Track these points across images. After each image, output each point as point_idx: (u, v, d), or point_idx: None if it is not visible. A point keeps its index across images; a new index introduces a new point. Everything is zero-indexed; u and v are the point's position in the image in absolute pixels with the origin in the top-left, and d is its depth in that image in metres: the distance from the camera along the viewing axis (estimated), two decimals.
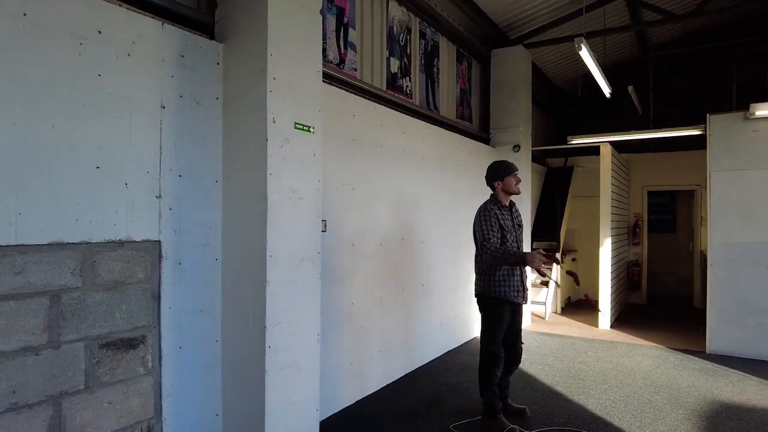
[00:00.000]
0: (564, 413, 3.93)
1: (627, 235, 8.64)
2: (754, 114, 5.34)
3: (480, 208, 3.75)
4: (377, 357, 4.41)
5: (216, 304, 2.99)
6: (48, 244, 2.20)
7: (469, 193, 5.90)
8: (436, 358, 5.33)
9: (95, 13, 2.39)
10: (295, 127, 2.97)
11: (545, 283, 7.18)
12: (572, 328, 6.90)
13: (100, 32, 2.40)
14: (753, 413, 3.95)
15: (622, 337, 6.40)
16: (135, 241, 2.55)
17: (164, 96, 2.70)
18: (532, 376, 4.80)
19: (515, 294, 3.62)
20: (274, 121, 2.82)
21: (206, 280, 2.93)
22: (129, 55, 2.53)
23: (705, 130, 5.74)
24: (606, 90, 6.40)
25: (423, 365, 5.09)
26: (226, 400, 3.00)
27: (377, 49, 4.78)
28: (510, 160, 6.63)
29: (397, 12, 5.06)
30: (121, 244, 2.49)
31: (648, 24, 7.19)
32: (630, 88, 7.44)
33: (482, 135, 6.83)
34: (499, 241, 3.53)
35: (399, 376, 4.70)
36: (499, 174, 3.74)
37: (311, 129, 3.09)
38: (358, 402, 4.13)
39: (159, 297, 2.67)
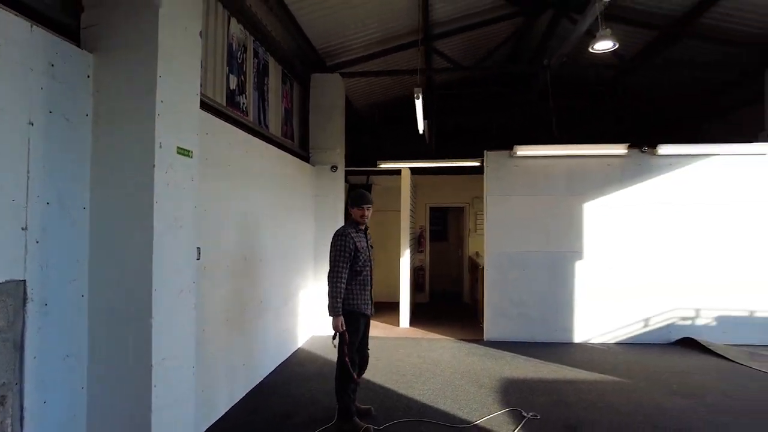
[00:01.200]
0: (400, 407, 4.54)
1: (414, 244, 10.03)
2: (516, 153, 6.95)
3: (338, 231, 4.11)
4: (223, 380, 4.34)
5: (82, 346, 2.65)
6: None
7: (299, 210, 6.17)
8: (273, 371, 5.44)
9: None
10: (178, 152, 2.87)
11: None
12: (378, 329, 7.73)
13: None
14: (526, 382, 5.22)
15: (420, 333, 7.49)
16: None
17: (33, 111, 2.33)
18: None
19: (365, 306, 4.09)
20: (160, 146, 2.69)
21: (73, 321, 2.59)
22: None
23: (483, 163, 7.19)
24: (421, 127, 7.43)
25: (264, 380, 5.16)
26: None
27: (219, 65, 4.70)
28: (328, 180, 7.23)
29: (236, 30, 5.04)
30: None
31: (438, 70, 8.57)
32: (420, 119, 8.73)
33: (303, 153, 7.16)
34: (347, 265, 3.94)
35: (243, 395, 4.69)
36: (352, 203, 4.13)
37: (191, 153, 3.00)
38: (207, 430, 4.02)
39: (22, 347, 2.29)
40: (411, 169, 8.13)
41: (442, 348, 6.65)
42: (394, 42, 7.44)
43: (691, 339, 6.70)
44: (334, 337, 4.01)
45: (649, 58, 7.97)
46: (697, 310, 6.87)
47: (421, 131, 7.46)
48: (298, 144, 7.20)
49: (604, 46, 5.24)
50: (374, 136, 11.04)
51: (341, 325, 3.89)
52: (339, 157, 7.42)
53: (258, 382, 5.07)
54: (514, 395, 4.85)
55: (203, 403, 3.93)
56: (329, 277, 3.95)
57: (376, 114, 10.75)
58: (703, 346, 6.49)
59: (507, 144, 7.09)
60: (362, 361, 4.27)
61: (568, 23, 7.12)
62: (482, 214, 7.52)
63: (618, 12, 6.81)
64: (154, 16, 2.66)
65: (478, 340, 7.06)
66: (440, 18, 7.06)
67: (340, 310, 3.90)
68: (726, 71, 8.16)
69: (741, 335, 6.77)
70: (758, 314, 6.82)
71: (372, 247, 4.28)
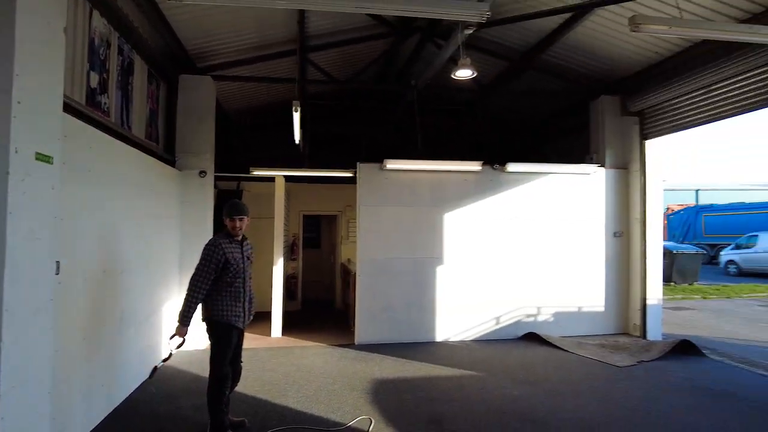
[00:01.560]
0: (274, 416, 4.57)
1: (287, 252, 10.00)
2: (386, 166, 7.36)
3: (209, 241, 4.04)
4: (80, 403, 3.98)
5: None
6: None
7: (164, 218, 5.85)
8: (135, 390, 5.08)
9: None
10: (37, 158, 2.64)
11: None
12: (249, 339, 7.55)
13: None
14: (395, 382, 5.57)
15: (293, 341, 7.51)
16: None
17: None
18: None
19: (236, 319, 4.06)
20: (16, 152, 2.46)
21: None
22: None
23: (356, 174, 7.49)
24: (297, 138, 7.44)
25: (126, 400, 4.81)
26: None
27: (78, 61, 4.31)
28: (196, 186, 6.95)
29: (99, 24, 4.67)
30: None
31: (313, 82, 8.70)
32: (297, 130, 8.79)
33: (169, 158, 6.78)
34: (212, 277, 3.91)
35: (103, 418, 4.33)
36: (225, 213, 4.07)
37: (51, 159, 2.77)
38: None
39: None
40: (285, 176, 8.14)
41: (314, 354, 6.76)
42: (271, 49, 7.43)
43: (534, 333, 7.67)
44: (178, 346, 3.99)
45: (502, 84, 8.99)
46: (539, 308, 7.90)
47: (297, 141, 7.53)
48: (164, 147, 6.81)
49: (464, 73, 5.83)
50: (246, 141, 10.80)
51: (180, 333, 3.92)
52: (208, 162, 7.16)
53: (119, 403, 4.71)
54: (384, 395, 5.15)
55: (57, 430, 3.57)
56: (189, 284, 3.92)
57: (249, 119, 10.53)
58: (544, 339, 7.48)
59: (378, 157, 7.49)
60: (235, 374, 4.24)
61: (433, 47, 7.76)
62: (355, 222, 7.80)
63: (476, 42, 7.61)
64: (11, 8, 2.42)
65: (350, 344, 7.31)
66: (316, 31, 7.22)
67: (190, 320, 3.90)
68: (562, 101, 9.52)
69: (573, 327, 7.94)
70: (585, 309, 8.06)
71: (249, 258, 4.25)
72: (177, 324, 3.94)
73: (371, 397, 5.10)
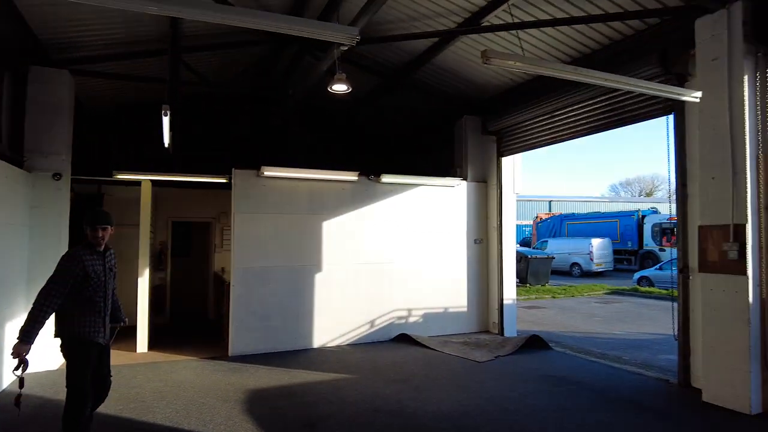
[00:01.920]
0: None
1: (154, 261, 9.40)
2: (263, 173, 7.34)
3: (67, 252, 3.76)
4: None
5: None
6: None
7: (8, 225, 5.23)
8: None
9: None
10: None
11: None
12: (111, 356, 7.00)
13: None
14: (270, 390, 5.59)
15: (161, 356, 7.10)
16: None
17: None
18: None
19: (96, 334, 3.80)
20: None
21: None
22: None
23: (231, 180, 7.34)
24: (166, 141, 7.04)
25: None
26: None
27: None
28: (50, 190, 6.36)
29: None
30: None
31: (187, 83, 8.34)
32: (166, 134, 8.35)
33: (15, 157, 6.07)
34: (65, 291, 3.60)
35: None
36: (87, 223, 3.78)
37: None
38: None
39: None
40: (152, 181, 7.69)
41: (185, 368, 6.48)
42: (141, 46, 7.04)
43: (406, 335, 8.14)
44: (16, 368, 3.46)
45: (377, 99, 9.44)
46: (410, 310, 8.40)
47: (166, 145, 7.17)
48: (8, 146, 6.08)
49: (340, 88, 6.08)
50: (109, 142, 9.95)
51: (19, 351, 3.44)
52: (64, 163, 6.53)
53: None
54: (259, 404, 5.14)
55: None
56: (36, 297, 3.54)
57: (115, 118, 9.73)
58: (414, 339, 7.97)
59: (256, 163, 7.43)
60: (101, 392, 3.97)
61: (311, 59, 7.93)
62: (229, 230, 7.63)
63: (354, 57, 7.94)
64: None
65: (224, 356, 7.11)
66: (191, 31, 6.98)
67: (33, 338, 3.48)
68: (433, 118, 10.24)
69: (440, 327, 8.56)
70: (451, 310, 8.74)
71: (113, 270, 4.00)
72: (16, 341, 3.47)
73: (245, 406, 5.05)
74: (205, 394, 5.43)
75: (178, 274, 10.57)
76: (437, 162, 10.27)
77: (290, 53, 8.17)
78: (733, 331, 4.91)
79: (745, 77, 4.86)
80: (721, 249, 5.07)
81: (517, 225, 12.33)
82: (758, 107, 4.94)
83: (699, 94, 5.15)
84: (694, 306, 5.62)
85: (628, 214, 25.45)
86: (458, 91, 8.81)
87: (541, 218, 31.27)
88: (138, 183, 7.57)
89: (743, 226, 4.89)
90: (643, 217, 24.35)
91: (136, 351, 7.28)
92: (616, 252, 24.00)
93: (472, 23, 6.50)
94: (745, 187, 4.87)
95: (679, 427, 4.61)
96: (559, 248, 23.43)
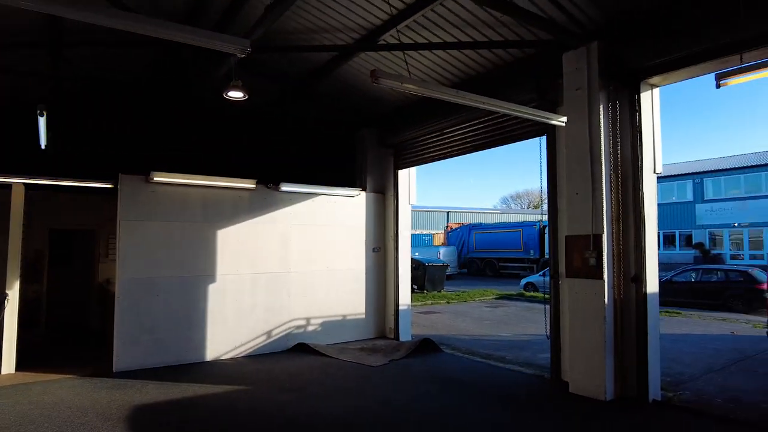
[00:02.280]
0: None
1: (27, 273, 8.56)
2: (153, 179, 7.03)
3: None
4: None
5: None
6: None
7: None
8: None
9: None
10: None
11: None
12: None
13: None
14: (157, 407, 5.38)
15: (32, 377, 6.49)
16: None
17: None
18: None
19: None
20: None
21: None
22: None
23: (117, 185, 6.94)
24: (43, 143, 6.48)
25: None
26: None
27: None
28: None
29: None
30: None
31: (68, 79, 7.74)
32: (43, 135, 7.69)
33: None
34: None
35: None
36: None
37: None
38: None
39: None
40: (26, 185, 7.03)
41: (61, 388, 6.00)
42: (14, 37, 6.42)
43: (304, 344, 8.17)
44: None
45: (280, 107, 9.40)
46: (308, 319, 8.44)
47: (43, 147, 6.62)
48: None
49: (236, 95, 6.02)
50: None
51: None
52: None
53: None
54: (144, 421, 4.94)
55: None
56: None
57: None
58: (312, 348, 8.03)
59: (147, 165, 7.08)
60: None
61: (207, 64, 7.72)
62: (115, 238, 7.19)
63: (253, 65, 7.86)
64: None
65: (108, 372, 6.68)
66: (73, 26, 6.52)
67: None
68: (336, 128, 10.37)
69: (339, 335, 8.70)
70: (349, 317, 8.92)
71: None
72: None
73: (129, 424, 4.83)
74: (83, 414, 5.09)
75: (57, 286, 9.70)
76: (340, 171, 10.43)
77: (185, 58, 7.90)
78: (593, 328, 5.57)
79: (601, 106, 5.59)
80: (583, 256, 5.75)
81: (413, 234, 12.86)
82: (610, 133, 5.70)
83: (564, 118, 5.82)
84: (563, 308, 6.28)
85: (530, 224, 27.32)
86: (359, 104, 9.07)
87: (451, 228, 32.74)
88: (8, 186, 6.89)
89: (600, 236, 5.59)
90: (544, 227, 26.44)
91: (0, 372, 6.60)
92: (519, 260, 25.81)
93: (369, 41, 6.77)
94: (602, 202, 5.58)
95: (545, 416, 5.16)
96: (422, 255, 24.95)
